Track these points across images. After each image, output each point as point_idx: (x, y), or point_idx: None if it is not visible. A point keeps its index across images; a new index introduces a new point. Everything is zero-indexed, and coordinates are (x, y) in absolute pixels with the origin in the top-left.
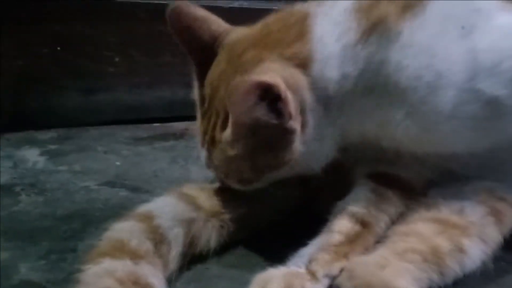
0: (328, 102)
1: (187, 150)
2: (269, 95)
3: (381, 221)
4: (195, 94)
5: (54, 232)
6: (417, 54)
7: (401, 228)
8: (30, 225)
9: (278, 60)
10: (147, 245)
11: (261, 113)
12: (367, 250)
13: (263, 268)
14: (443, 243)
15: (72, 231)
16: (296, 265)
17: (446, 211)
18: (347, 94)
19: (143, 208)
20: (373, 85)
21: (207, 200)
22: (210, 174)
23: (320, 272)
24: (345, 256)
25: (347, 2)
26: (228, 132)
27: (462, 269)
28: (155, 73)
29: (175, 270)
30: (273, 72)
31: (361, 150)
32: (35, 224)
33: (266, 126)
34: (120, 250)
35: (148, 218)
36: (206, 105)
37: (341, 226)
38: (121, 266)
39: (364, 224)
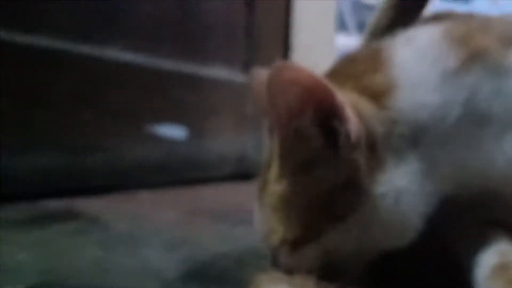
0: (422, 137)
1: (108, 233)
2: (319, 108)
3: None
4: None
5: None
6: None
7: None
8: None
9: (348, 92)
10: None
11: (305, 123)
12: None
13: None
14: None
15: None
16: None
17: None
18: (453, 126)
19: None
20: (489, 115)
21: None
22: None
23: None
24: None
25: (429, 31)
26: (275, 164)
27: None
28: None
29: None
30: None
31: (479, 197)
32: None
33: (310, 147)
34: None
35: None
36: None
37: None
38: None
39: None
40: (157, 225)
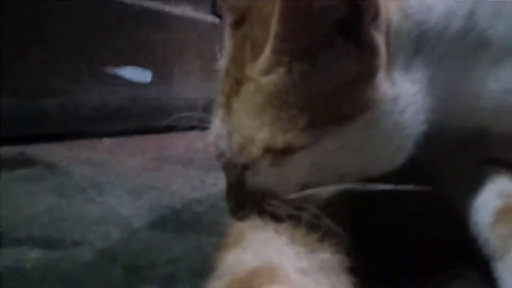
0: (425, 44)
1: (66, 180)
2: None
3: None
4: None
5: None
6: None
7: None
8: None
9: None
10: None
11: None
12: None
13: None
14: None
15: None
16: None
17: None
18: (453, 41)
19: (249, 262)
20: (488, 36)
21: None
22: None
23: None
24: None
25: None
26: (267, 50)
27: None
28: None
29: None
30: None
31: (471, 133)
32: None
33: (321, 26)
34: None
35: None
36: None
37: None
38: None
39: None
40: (121, 172)
